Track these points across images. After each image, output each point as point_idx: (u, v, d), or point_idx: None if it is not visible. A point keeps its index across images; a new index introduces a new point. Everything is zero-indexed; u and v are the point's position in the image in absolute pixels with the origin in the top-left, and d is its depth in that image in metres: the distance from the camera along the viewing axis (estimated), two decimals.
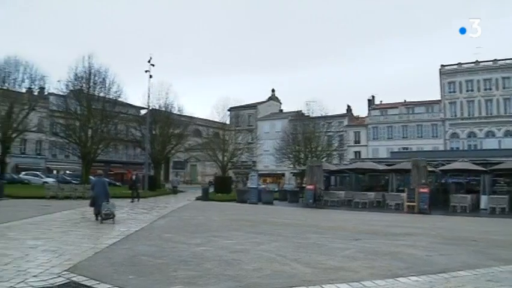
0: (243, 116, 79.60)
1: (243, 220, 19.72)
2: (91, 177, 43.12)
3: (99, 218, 16.47)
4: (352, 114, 77.06)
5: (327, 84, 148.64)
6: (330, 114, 61.80)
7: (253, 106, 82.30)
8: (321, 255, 10.31)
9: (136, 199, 30.74)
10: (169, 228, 15.38)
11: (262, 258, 9.73)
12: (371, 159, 49.95)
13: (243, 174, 66.10)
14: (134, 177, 33.40)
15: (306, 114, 61.64)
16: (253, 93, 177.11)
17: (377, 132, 70.77)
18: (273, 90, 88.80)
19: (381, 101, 77.38)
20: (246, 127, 77.68)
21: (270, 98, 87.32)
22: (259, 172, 46.86)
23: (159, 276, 7.71)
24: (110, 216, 16.35)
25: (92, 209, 17.22)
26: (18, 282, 6.89)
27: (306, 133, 54.80)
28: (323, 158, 51.75)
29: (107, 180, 25.21)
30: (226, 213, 24.16)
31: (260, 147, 71.31)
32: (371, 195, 31.70)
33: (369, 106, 75.20)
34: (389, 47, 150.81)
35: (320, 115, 58.82)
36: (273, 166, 67.77)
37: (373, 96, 76.77)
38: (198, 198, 36.87)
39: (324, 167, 34.93)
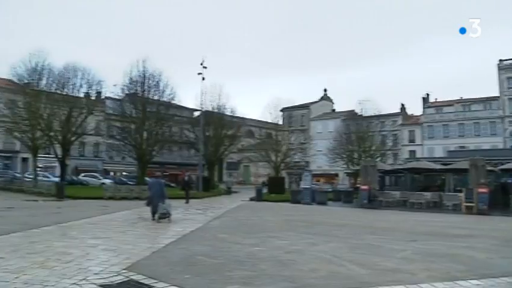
0: (296, 116, 79.44)
1: (297, 221, 19.61)
2: (147, 178, 44.05)
3: (155, 217, 16.99)
4: (406, 112, 75.73)
5: (380, 82, 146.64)
6: (383, 113, 60.88)
7: (305, 106, 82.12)
8: (377, 256, 10.14)
9: (187, 200, 30.13)
10: (224, 229, 15.50)
11: (317, 259, 9.67)
12: (426, 158, 48.81)
13: (296, 175, 65.92)
14: (186, 177, 33.48)
15: (359, 114, 60.89)
16: (305, 94, 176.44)
17: (432, 131, 69.30)
18: (325, 90, 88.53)
19: (436, 99, 75.71)
20: (298, 127, 77.54)
21: (322, 98, 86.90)
22: (313, 172, 46.61)
23: (215, 276, 7.79)
24: (166, 216, 16.84)
25: (148, 208, 17.69)
26: (81, 280, 7.13)
27: (360, 133, 54.08)
28: (376, 157, 51.01)
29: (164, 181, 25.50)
30: (280, 213, 24.12)
31: (313, 148, 70.92)
32: (427, 195, 30.94)
33: (423, 104, 73.73)
34: (443, 42, 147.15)
35: (373, 114, 57.94)
36: (326, 166, 67.10)
37: (427, 94, 75.26)
38: (251, 199, 36.94)
39: (379, 167, 34.41)
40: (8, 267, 7.99)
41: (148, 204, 17.82)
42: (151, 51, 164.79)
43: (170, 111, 50.19)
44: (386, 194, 32.57)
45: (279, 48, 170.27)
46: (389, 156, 59.22)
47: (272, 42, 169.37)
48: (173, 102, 49.83)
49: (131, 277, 7.43)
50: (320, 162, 70.99)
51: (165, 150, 60.02)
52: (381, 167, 36.49)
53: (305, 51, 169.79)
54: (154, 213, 17.18)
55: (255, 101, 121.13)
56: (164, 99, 47.92)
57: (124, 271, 7.86)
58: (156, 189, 17.81)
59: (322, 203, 33.02)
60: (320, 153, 68.31)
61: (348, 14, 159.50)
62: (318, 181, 65.96)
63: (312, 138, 73.05)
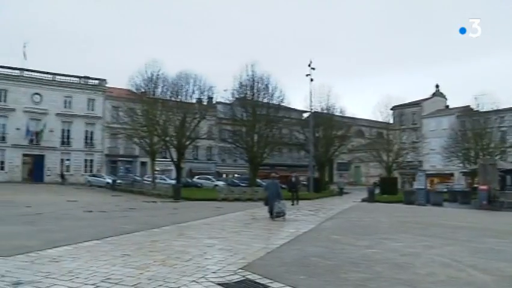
0: (407, 114, 77.30)
1: (412, 222, 19.09)
2: (258, 180, 44.87)
3: (272, 215, 18.00)
4: None
5: (498, 74, 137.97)
6: (502, 107, 57.27)
7: (416, 103, 79.48)
8: (500, 261, 9.57)
9: (296, 201, 29.33)
10: (337, 230, 15.40)
11: (435, 262, 9.34)
12: None
13: (409, 175, 64.12)
14: (293, 179, 33.22)
15: (475, 109, 57.87)
16: (415, 91, 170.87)
17: None
18: (437, 86, 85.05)
19: None
20: (410, 126, 75.43)
21: (434, 94, 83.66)
22: (426, 172, 45.13)
23: (330, 277, 7.77)
24: (281, 215, 17.88)
25: (260, 210, 18.36)
26: (200, 278, 7.41)
27: (476, 129, 51.61)
28: (496, 155, 48.40)
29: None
30: (394, 215, 23.58)
31: (426, 146, 68.67)
32: None
33: None
34: None
35: (490, 109, 54.75)
36: (440, 166, 64.71)
37: None
38: (363, 200, 36.55)
39: (499, 166, 32.61)
40: (132, 263, 8.49)
41: (266, 204, 18.84)
42: (259, 55, 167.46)
43: (279, 114, 50.61)
44: (507, 195, 30.71)
45: (384, 47, 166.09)
46: (510, 153, 55.74)
47: (380, 39, 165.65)
48: (282, 104, 50.15)
49: (247, 276, 7.59)
50: (433, 162, 68.53)
51: (275, 152, 60.72)
52: (502, 166, 34.52)
53: (412, 47, 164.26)
54: (271, 211, 18.14)
55: (364, 101, 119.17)
56: (274, 101, 48.43)
57: (240, 270, 8.04)
58: (272, 190, 18.73)
59: (437, 204, 31.89)
60: (434, 152, 66.01)
61: (460, 3, 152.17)
62: (432, 181, 63.69)
63: (424, 137, 70.78)
